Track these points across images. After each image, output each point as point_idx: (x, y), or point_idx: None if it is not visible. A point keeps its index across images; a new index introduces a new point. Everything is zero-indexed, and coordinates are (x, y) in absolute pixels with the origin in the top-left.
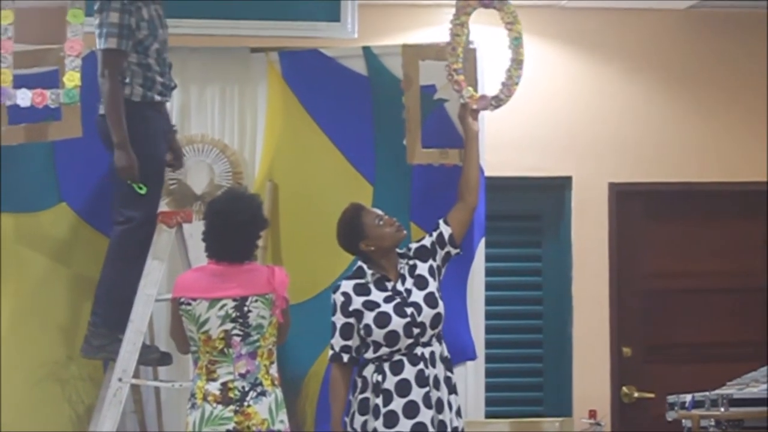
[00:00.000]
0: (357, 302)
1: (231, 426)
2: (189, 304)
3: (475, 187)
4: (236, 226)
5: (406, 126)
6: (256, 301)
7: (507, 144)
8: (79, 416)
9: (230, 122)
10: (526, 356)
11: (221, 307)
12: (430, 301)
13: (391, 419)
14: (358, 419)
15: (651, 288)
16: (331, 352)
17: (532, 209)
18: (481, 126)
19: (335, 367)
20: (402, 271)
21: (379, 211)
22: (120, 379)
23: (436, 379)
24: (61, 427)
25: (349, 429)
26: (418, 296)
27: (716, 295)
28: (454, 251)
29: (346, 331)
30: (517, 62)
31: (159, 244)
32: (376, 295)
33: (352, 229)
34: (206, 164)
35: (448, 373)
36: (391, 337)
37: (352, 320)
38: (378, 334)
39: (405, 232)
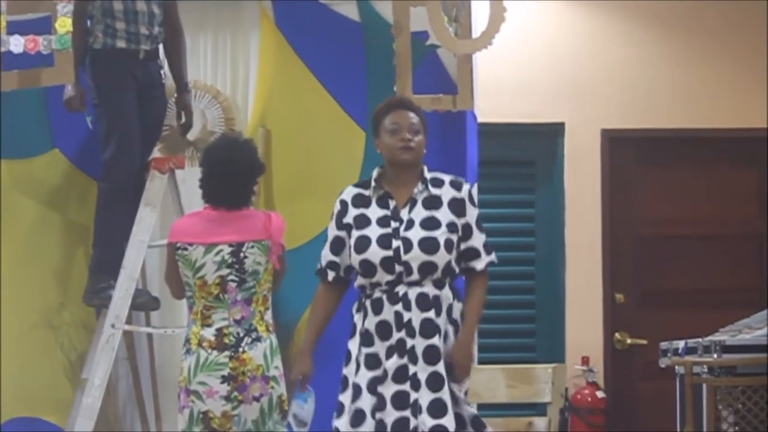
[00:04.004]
0: (351, 215)
1: (226, 372)
2: (185, 249)
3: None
4: (234, 171)
5: (396, 72)
6: (252, 247)
7: (500, 90)
8: (71, 363)
9: (223, 68)
10: (518, 303)
11: (217, 253)
12: (428, 246)
13: (371, 362)
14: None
15: (644, 234)
16: (318, 266)
17: (525, 155)
18: (474, 72)
19: (320, 285)
20: (416, 197)
21: (412, 121)
22: (113, 326)
23: (425, 324)
24: (54, 373)
25: (343, 372)
26: (416, 234)
27: (709, 242)
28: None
29: (336, 245)
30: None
31: (151, 190)
32: (373, 212)
33: (373, 121)
34: (199, 110)
35: (438, 320)
36: (366, 267)
37: (343, 234)
38: (355, 259)
39: (409, 156)
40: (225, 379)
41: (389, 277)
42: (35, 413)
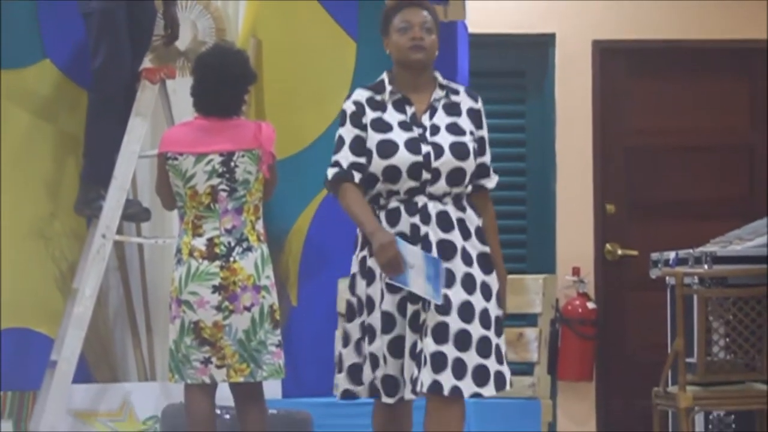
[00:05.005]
0: (369, 116)
1: (217, 281)
2: (176, 158)
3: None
4: (226, 79)
5: None
6: (243, 156)
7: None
8: (62, 273)
9: None
10: (509, 213)
11: (208, 162)
12: (459, 151)
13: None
14: (359, 283)
15: (635, 145)
16: (334, 171)
17: (516, 66)
18: None
19: (346, 188)
20: (435, 104)
21: (425, 18)
22: (103, 236)
23: (443, 245)
24: (45, 283)
25: (349, 296)
26: (445, 139)
27: (700, 153)
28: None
29: (358, 146)
30: None
31: (142, 100)
32: (391, 116)
33: (383, 21)
34: (190, 21)
35: (465, 244)
36: (391, 173)
37: (364, 134)
38: (377, 165)
39: (420, 56)
40: (216, 289)
41: (412, 184)
42: (26, 324)
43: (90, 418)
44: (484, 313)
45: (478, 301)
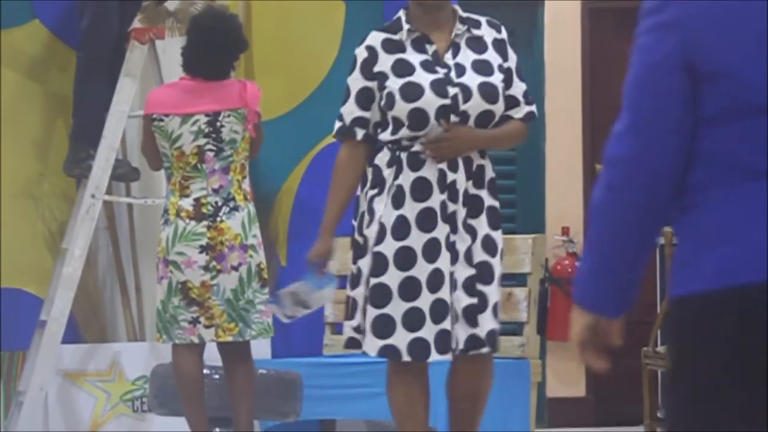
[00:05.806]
0: (385, 61)
1: (204, 242)
2: (161, 120)
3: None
4: (220, 44)
5: None
6: (229, 116)
7: None
8: (51, 233)
9: None
10: (498, 173)
11: (194, 123)
12: (488, 93)
13: (400, 229)
14: (365, 221)
15: None
16: (338, 125)
17: (505, 26)
18: None
19: (345, 147)
20: (458, 40)
21: None
22: (93, 196)
23: (467, 194)
24: (34, 244)
25: (356, 236)
26: (472, 80)
27: None
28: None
29: (364, 98)
30: None
31: (132, 60)
32: (412, 56)
33: None
34: None
35: (479, 192)
36: (417, 117)
37: (373, 84)
38: (401, 109)
39: None
40: (203, 249)
41: (440, 130)
42: (15, 284)
43: (79, 378)
44: (483, 266)
45: (477, 253)
